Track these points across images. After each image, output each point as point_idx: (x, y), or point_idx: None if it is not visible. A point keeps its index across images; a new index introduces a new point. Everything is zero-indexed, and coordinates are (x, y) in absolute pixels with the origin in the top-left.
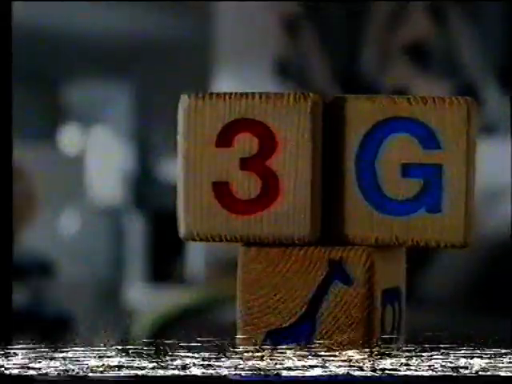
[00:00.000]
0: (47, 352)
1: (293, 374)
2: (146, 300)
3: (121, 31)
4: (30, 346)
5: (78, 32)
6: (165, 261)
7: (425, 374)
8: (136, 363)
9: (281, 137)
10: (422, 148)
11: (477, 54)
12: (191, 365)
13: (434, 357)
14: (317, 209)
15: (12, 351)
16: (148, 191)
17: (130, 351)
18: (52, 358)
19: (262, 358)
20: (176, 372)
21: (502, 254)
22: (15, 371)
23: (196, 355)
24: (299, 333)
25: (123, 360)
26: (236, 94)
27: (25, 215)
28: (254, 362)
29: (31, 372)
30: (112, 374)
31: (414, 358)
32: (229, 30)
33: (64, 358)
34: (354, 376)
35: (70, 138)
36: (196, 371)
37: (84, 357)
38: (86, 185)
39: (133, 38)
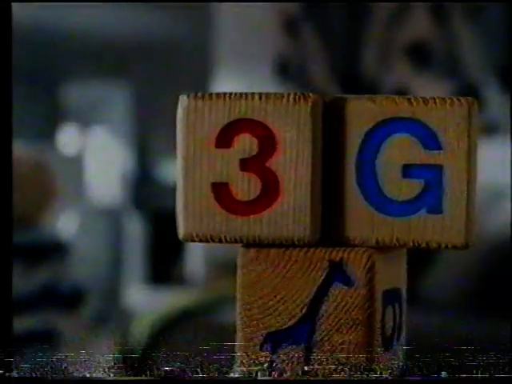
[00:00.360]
0: (46, 354)
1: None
2: (146, 301)
3: (120, 31)
4: (30, 349)
5: (78, 32)
6: (164, 262)
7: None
8: (134, 364)
9: (281, 137)
10: (422, 148)
11: (478, 54)
12: (190, 367)
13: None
14: (317, 210)
15: (12, 354)
16: (147, 192)
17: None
18: (50, 360)
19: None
20: (174, 374)
21: (502, 255)
22: (15, 373)
23: (195, 357)
24: (299, 334)
25: (121, 361)
26: (235, 94)
27: (44, 207)
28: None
29: (29, 373)
30: (110, 375)
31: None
32: (229, 30)
33: (62, 359)
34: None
35: (69, 138)
36: (195, 374)
37: (82, 357)
38: (85, 185)
39: (132, 39)
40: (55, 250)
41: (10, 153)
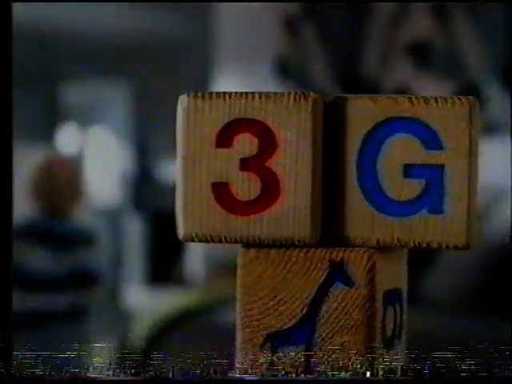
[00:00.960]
0: (46, 353)
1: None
2: (146, 301)
3: (120, 31)
4: (30, 347)
5: (78, 32)
6: (164, 262)
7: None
8: (133, 365)
9: (281, 137)
10: (423, 148)
11: (478, 53)
12: (189, 367)
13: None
14: (317, 209)
15: (12, 352)
16: (147, 192)
17: (128, 353)
18: (51, 359)
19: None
20: (173, 375)
21: (503, 255)
22: (15, 372)
23: (195, 358)
24: (299, 335)
25: (121, 362)
26: (236, 93)
27: (71, 201)
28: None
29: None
30: (110, 376)
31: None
32: (229, 30)
33: (63, 359)
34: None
35: (68, 138)
36: (194, 374)
37: (83, 358)
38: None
39: (132, 38)
40: (81, 238)
41: (10, 150)
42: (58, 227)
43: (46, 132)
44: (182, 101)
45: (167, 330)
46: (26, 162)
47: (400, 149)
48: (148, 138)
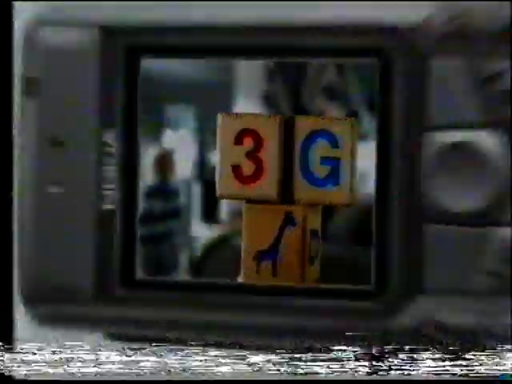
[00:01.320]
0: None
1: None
2: (201, 231)
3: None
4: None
5: None
6: (212, 207)
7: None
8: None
9: (265, 140)
10: (330, 147)
11: (356, 90)
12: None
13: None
14: (280, 183)
15: (15, 351)
16: (205, 169)
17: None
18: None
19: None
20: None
21: (369, 208)
22: (19, 371)
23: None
24: (271, 256)
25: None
26: (243, 113)
27: (171, 173)
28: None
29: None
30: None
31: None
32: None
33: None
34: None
35: (168, 139)
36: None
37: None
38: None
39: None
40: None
41: (10, 148)
42: (165, 187)
43: (157, 135)
44: (219, 118)
45: (211, 250)
46: (150, 154)
47: (319, 148)
48: (208, 139)
